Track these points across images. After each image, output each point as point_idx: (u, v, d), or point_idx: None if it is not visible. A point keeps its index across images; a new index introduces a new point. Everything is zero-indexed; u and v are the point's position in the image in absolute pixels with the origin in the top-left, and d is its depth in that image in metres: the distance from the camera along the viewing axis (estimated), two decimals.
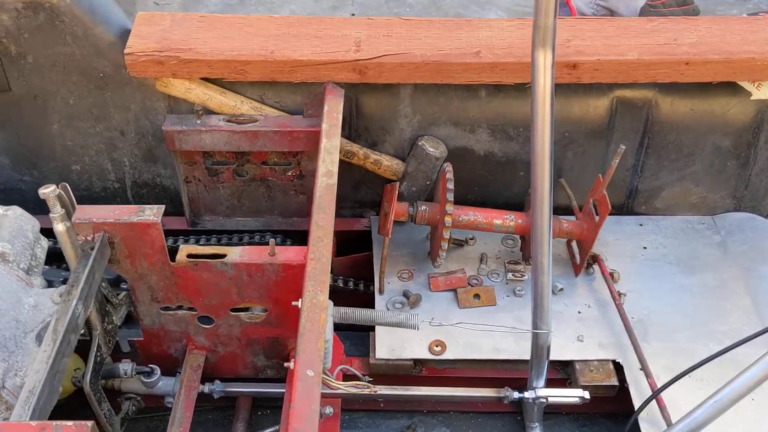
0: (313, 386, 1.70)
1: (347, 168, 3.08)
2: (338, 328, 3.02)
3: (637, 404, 2.45)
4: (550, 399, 2.50)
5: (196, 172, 2.95)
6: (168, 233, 3.05)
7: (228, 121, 2.77)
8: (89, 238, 2.15)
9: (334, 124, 2.49)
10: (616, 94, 2.90)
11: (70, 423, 1.60)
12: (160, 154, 3.05)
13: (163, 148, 2.96)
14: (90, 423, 1.63)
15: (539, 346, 2.42)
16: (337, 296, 3.07)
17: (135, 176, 3.13)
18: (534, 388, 2.50)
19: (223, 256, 2.26)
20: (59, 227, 2.14)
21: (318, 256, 2.02)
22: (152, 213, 2.16)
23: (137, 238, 2.18)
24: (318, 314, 1.86)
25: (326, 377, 2.01)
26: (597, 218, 2.73)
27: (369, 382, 2.21)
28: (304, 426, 1.62)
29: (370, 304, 2.83)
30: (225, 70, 2.69)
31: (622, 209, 3.21)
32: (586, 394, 2.47)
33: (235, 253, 2.27)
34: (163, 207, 2.19)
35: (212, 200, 3.06)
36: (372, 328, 2.71)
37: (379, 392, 2.32)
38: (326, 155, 2.36)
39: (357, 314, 2.32)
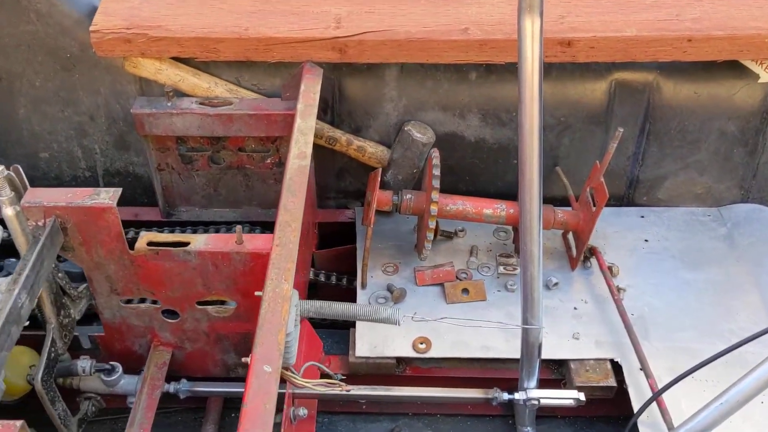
0: (270, 383, 1.53)
1: (330, 156, 2.92)
2: (320, 325, 2.88)
3: (636, 407, 2.27)
4: (542, 401, 2.31)
5: (169, 159, 2.79)
6: (141, 225, 2.92)
7: (201, 103, 2.61)
8: (40, 224, 1.99)
9: (310, 104, 2.32)
10: (615, 76, 2.73)
11: None
12: (132, 140, 2.89)
13: (136, 134, 2.80)
14: (19, 422, 1.46)
15: (530, 344, 2.24)
16: (319, 291, 2.93)
17: (107, 164, 2.97)
18: (525, 389, 2.32)
19: (186, 244, 2.09)
20: (8, 211, 1.98)
21: (284, 242, 1.85)
22: (107, 196, 2.00)
23: (91, 224, 2.02)
24: (280, 304, 1.69)
25: (290, 374, 1.84)
26: (594, 207, 2.55)
27: (342, 380, 2.02)
28: (257, 426, 1.44)
29: (352, 299, 2.66)
30: (196, 49, 2.53)
31: (622, 200, 3.03)
32: (581, 396, 2.29)
33: (200, 241, 2.10)
34: (119, 190, 2.03)
35: (187, 190, 2.90)
36: (353, 324, 2.54)
37: (355, 392, 2.15)
38: (300, 136, 2.19)
39: (333, 308, 2.15)
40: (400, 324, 2.18)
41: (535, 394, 2.29)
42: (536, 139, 1.90)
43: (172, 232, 2.85)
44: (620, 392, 2.39)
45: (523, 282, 2.12)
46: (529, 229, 2.03)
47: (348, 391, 1.99)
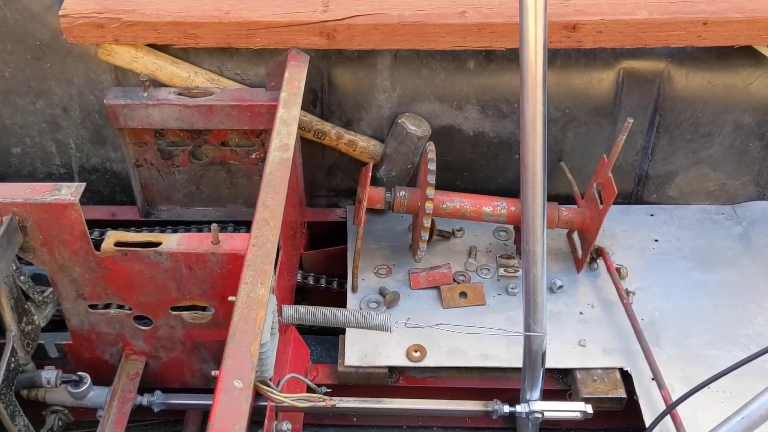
0: (240, 401, 1.35)
1: (319, 151, 2.75)
2: (309, 332, 2.70)
3: (648, 420, 2.09)
4: (546, 414, 2.12)
5: (148, 154, 2.61)
6: (119, 225, 2.74)
7: (179, 94, 2.44)
8: None
9: (294, 92, 2.15)
10: (623, 65, 2.56)
11: None
12: (109, 134, 2.72)
13: (112, 128, 2.62)
14: None
15: (533, 352, 2.06)
16: (307, 295, 2.75)
17: (82, 160, 2.80)
18: (528, 401, 2.14)
19: (158, 244, 1.92)
20: None
21: (261, 242, 1.68)
22: (69, 192, 1.82)
23: (53, 222, 1.84)
24: (255, 311, 1.51)
25: (267, 389, 1.66)
26: (601, 205, 2.37)
27: (326, 393, 1.84)
28: None
29: (343, 303, 2.48)
30: (173, 35, 2.36)
31: (630, 198, 2.86)
32: (589, 408, 2.11)
33: (172, 242, 1.92)
34: (83, 185, 1.85)
35: (167, 187, 2.72)
36: (343, 331, 2.36)
37: (341, 405, 1.96)
38: (282, 126, 2.01)
39: (320, 314, 1.98)
40: (392, 331, 2.00)
41: (538, 406, 2.11)
42: (539, 130, 1.72)
43: (151, 232, 2.68)
44: (630, 404, 2.22)
45: (526, 285, 1.95)
46: (532, 228, 1.86)
47: (332, 405, 1.81)
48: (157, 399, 2.14)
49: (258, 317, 1.50)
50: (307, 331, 2.69)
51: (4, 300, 1.92)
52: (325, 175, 2.82)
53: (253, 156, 2.63)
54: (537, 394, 2.13)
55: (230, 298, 1.60)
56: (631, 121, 2.25)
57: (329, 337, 2.66)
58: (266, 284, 1.58)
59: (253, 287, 1.57)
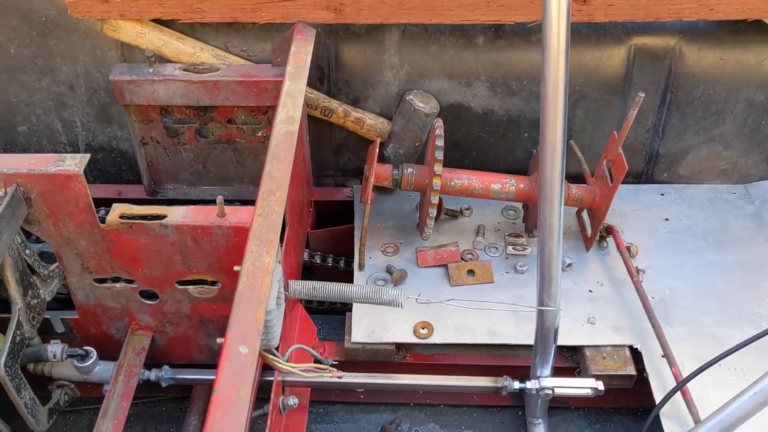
0: (246, 367, 1.33)
1: (327, 131, 2.73)
2: (315, 311, 2.69)
3: (658, 397, 2.06)
4: (557, 390, 2.10)
5: (154, 132, 2.60)
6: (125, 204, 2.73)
7: (185, 70, 2.42)
8: (0, 193, 1.80)
9: (300, 66, 2.13)
10: (634, 41, 2.52)
11: None
12: (115, 112, 2.70)
13: (118, 105, 2.61)
14: None
15: (545, 328, 2.02)
16: (314, 274, 2.73)
17: (89, 138, 2.78)
18: (538, 378, 2.12)
19: (163, 217, 1.90)
20: None
21: (267, 212, 1.66)
22: (74, 163, 1.81)
23: (57, 193, 1.83)
24: (260, 279, 1.49)
25: (273, 358, 1.64)
26: (611, 182, 2.34)
27: (333, 365, 1.83)
28: (228, 416, 1.25)
29: (350, 282, 2.45)
30: (179, 9, 2.34)
31: (641, 177, 2.82)
32: (600, 385, 2.08)
33: (177, 214, 1.91)
34: (87, 156, 1.84)
35: (174, 166, 2.71)
36: (350, 309, 2.35)
37: (350, 380, 1.95)
38: (288, 99, 1.99)
39: (328, 289, 1.96)
40: (403, 306, 1.98)
41: (549, 383, 2.09)
42: (560, 100, 1.68)
43: None
44: (639, 381, 2.19)
45: (541, 259, 1.91)
46: (550, 200, 1.82)
47: (339, 377, 1.79)
48: (165, 374, 2.13)
49: (263, 285, 1.49)
50: (313, 310, 2.68)
51: (9, 273, 1.91)
52: (332, 155, 2.80)
53: (260, 134, 2.61)
54: (548, 370, 2.11)
55: (235, 268, 1.58)
56: (642, 95, 2.21)
57: (336, 316, 2.66)
58: (272, 253, 1.56)
59: (259, 256, 1.55)
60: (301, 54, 2.18)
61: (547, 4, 1.59)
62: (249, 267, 1.52)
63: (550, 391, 2.10)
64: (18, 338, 1.93)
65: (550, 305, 1.97)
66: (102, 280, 2.07)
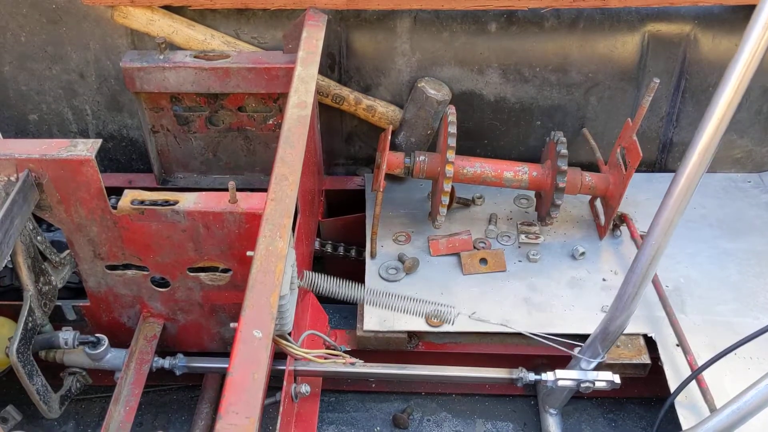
0: (260, 350, 1.32)
1: (338, 119, 2.71)
2: (327, 300, 2.67)
3: (673, 386, 2.04)
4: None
5: (164, 120, 2.59)
6: None
7: (195, 57, 2.40)
8: (12, 178, 1.79)
9: (312, 51, 2.11)
10: (649, 27, 2.49)
11: None
12: (126, 101, 2.69)
13: (129, 94, 2.60)
14: None
15: (613, 328, 1.94)
16: (326, 263, 2.72)
17: (99, 127, 2.78)
18: (554, 370, 2.09)
19: (175, 203, 1.89)
20: None
21: (280, 197, 1.64)
22: (85, 148, 1.80)
23: (69, 179, 1.82)
24: (273, 263, 1.48)
25: (286, 343, 1.63)
26: (625, 170, 2.32)
27: (348, 353, 1.82)
28: (243, 398, 1.24)
29: (361, 270, 2.44)
30: None
31: (654, 165, 2.80)
32: (617, 378, 2.04)
33: (189, 200, 1.90)
34: (99, 141, 1.83)
35: (184, 154, 2.70)
36: None
37: (363, 370, 1.94)
38: (300, 84, 1.97)
39: (365, 294, 1.93)
40: (453, 323, 1.96)
41: (564, 375, 2.06)
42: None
43: None
44: (652, 371, 2.17)
45: (640, 261, 1.79)
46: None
47: (352, 364, 1.78)
48: (179, 362, 2.12)
49: (277, 270, 1.47)
50: (324, 299, 2.67)
51: (21, 259, 1.91)
52: (343, 143, 2.79)
53: (270, 122, 2.60)
54: (593, 364, 2.07)
55: (248, 253, 1.57)
56: (657, 81, 2.18)
57: (347, 305, 2.63)
58: (285, 238, 1.55)
59: (272, 240, 1.54)
60: (313, 39, 2.16)
61: None
62: (262, 251, 1.51)
63: (565, 383, 2.07)
64: (30, 325, 1.93)
65: (630, 305, 1.89)
66: (113, 267, 2.06)
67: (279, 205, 1.63)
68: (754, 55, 1.43)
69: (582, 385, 2.04)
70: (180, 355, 2.17)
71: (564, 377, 2.07)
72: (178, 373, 2.17)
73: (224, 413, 1.22)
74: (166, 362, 2.16)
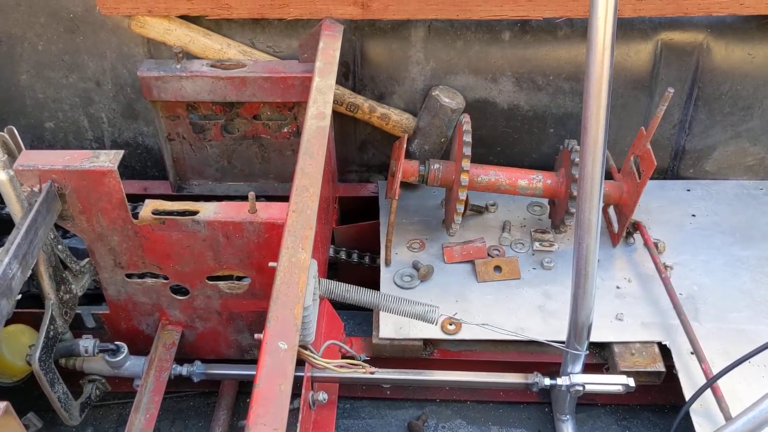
0: (286, 362, 1.34)
1: (351, 126, 2.73)
2: (340, 306, 2.68)
3: (688, 394, 2.05)
4: (587, 387, 2.09)
5: (180, 128, 2.61)
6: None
7: (212, 66, 2.42)
8: (35, 189, 1.81)
9: (329, 62, 2.13)
10: (661, 36, 2.51)
11: None
12: (141, 109, 2.72)
13: (144, 102, 2.62)
14: (3, 404, 1.29)
15: (579, 325, 2.00)
16: (340, 270, 2.74)
17: (114, 135, 2.80)
18: (569, 374, 2.11)
19: (195, 213, 1.91)
20: (1, 176, 1.80)
21: (301, 208, 1.66)
22: (108, 159, 1.82)
23: (91, 189, 1.84)
24: (297, 275, 1.50)
25: (309, 354, 1.65)
26: (639, 178, 2.33)
27: (366, 361, 1.83)
28: (270, 411, 1.26)
29: (375, 278, 2.46)
30: (207, 5, 2.35)
31: (666, 173, 2.81)
32: (631, 382, 2.07)
33: (209, 210, 1.92)
34: (121, 152, 1.85)
35: (199, 162, 2.72)
36: None
37: (379, 376, 1.95)
38: (318, 95, 1.99)
39: (360, 294, 1.96)
40: (437, 324, 1.98)
41: (579, 379, 2.08)
42: (604, 95, 1.65)
43: None
44: (666, 378, 2.19)
45: (577, 256, 1.88)
46: (589, 196, 1.79)
47: (372, 373, 1.80)
48: (197, 369, 2.15)
49: (300, 281, 1.49)
50: (338, 305, 2.68)
51: (43, 268, 1.93)
52: (356, 151, 2.81)
53: (285, 130, 2.62)
54: (579, 367, 2.10)
55: (270, 264, 1.59)
56: (672, 91, 2.20)
57: (360, 311, 2.65)
58: (307, 249, 1.56)
59: (295, 252, 1.55)
60: (330, 50, 2.18)
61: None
62: (285, 263, 1.53)
63: (580, 388, 2.09)
64: (51, 333, 1.95)
65: (584, 302, 1.96)
66: (133, 276, 2.08)
67: (300, 216, 1.64)
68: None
69: (588, 387, 2.07)
70: (198, 362, 2.20)
71: (578, 382, 2.09)
72: (196, 380, 2.20)
73: (253, 425, 1.24)
74: (184, 369, 2.18)
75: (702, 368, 2.10)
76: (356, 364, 1.77)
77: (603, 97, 1.60)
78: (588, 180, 1.72)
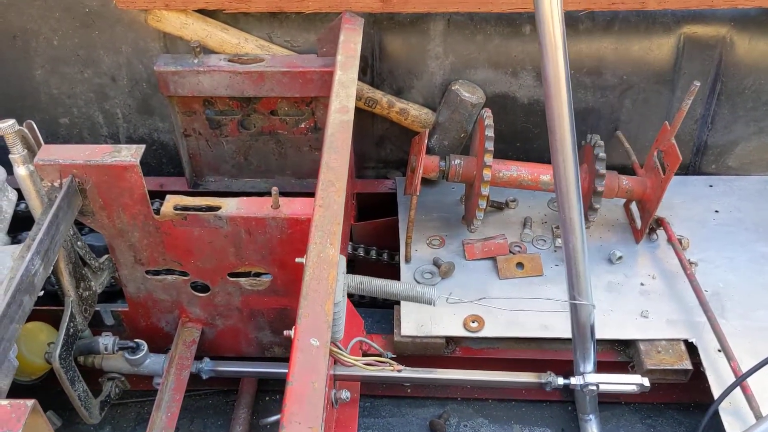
0: (318, 359, 1.31)
1: (369, 122, 2.70)
2: (359, 304, 2.66)
3: (716, 392, 2.02)
4: (601, 386, 2.03)
5: (196, 123, 2.58)
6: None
7: (230, 60, 2.39)
8: (56, 184, 1.78)
9: (350, 55, 2.10)
10: (684, 30, 2.47)
11: (5, 402, 1.23)
12: (157, 104, 2.69)
13: (160, 97, 2.60)
14: (31, 402, 1.26)
15: (581, 323, 1.98)
16: (357, 267, 2.71)
17: (130, 130, 2.77)
18: (582, 374, 2.07)
19: (217, 208, 1.88)
20: (21, 171, 1.79)
21: (328, 203, 1.63)
22: (129, 153, 1.79)
23: (112, 184, 1.81)
24: (326, 271, 1.47)
25: (337, 351, 1.62)
26: (663, 173, 2.30)
27: (392, 359, 1.80)
28: (305, 408, 1.23)
29: (394, 274, 2.43)
30: None
31: (688, 169, 2.78)
32: (646, 382, 2.01)
33: (232, 206, 1.89)
34: (142, 147, 1.82)
35: (215, 158, 2.69)
36: (395, 304, 2.32)
37: (405, 374, 1.92)
38: (341, 89, 1.96)
39: (366, 284, 1.92)
40: (435, 305, 1.95)
41: (593, 378, 2.03)
42: (564, 92, 1.65)
43: None
44: (695, 377, 2.15)
45: (566, 255, 1.86)
46: (566, 195, 1.78)
47: (399, 371, 1.77)
48: (206, 366, 2.14)
49: (330, 277, 1.46)
50: (357, 303, 2.66)
51: (63, 265, 1.90)
52: (374, 146, 2.78)
53: (303, 126, 2.59)
54: (590, 366, 2.05)
55: (297, 260, 1.56)
56: (698, 84, 2.16)
57: (380, 309, 2.63)
58: (335, 245, 1.53)
59: (323, 247, 1.52)
60: (351, 44, 2.15)
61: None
62: (314, 259, 1.50)
63: (594, 387, 2.03)
64: (71, 331, 1.93)
65: (581, 299, 1.92)
66: (153, 273, 2.05)
67: (327, 211, 1.61)
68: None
69: (602, 387, 2.03)
70: (206, 359, 2.16)
71: (591, 381, 2.04)
72: (204, 377, 2.16)
73: (287, 423, 1.21)
74: (203, 366, 2.15)
75: (731, 366, 2.06)
76: (384, 362, 1.74)
77: (563, 96, 1.60)
78: (563, 179, 1.72)
